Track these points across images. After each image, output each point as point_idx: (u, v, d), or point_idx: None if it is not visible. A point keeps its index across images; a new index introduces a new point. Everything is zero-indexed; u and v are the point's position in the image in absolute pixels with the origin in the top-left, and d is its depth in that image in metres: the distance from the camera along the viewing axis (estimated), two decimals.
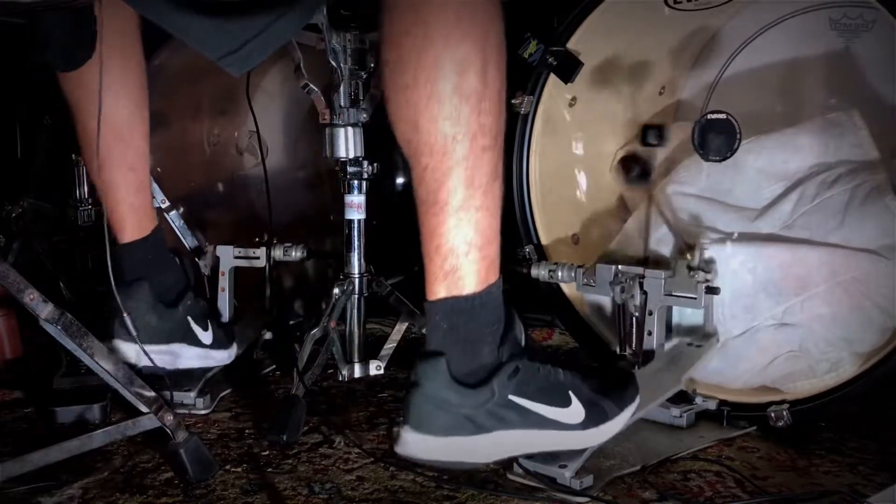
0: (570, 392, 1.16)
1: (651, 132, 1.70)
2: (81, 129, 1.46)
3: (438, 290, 1.10)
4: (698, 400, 1.41)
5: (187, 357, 1.51)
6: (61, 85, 1.44)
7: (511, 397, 1.11)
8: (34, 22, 1.35)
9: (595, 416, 1.17)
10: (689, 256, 1.39)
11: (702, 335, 1.42)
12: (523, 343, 1.15)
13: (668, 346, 1.43)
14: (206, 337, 1.53)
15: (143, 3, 1.12)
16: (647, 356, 1.41)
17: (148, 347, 1.36)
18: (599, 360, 1.61)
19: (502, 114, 1.11)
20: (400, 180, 1.87)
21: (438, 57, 1.05)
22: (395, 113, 1.09)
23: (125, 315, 1.33)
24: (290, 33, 1.11)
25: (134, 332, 1.33)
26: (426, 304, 1.11)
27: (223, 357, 1.56)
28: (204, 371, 1.53)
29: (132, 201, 1.47)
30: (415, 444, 1.11)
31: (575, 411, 1.15)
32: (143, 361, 1.37)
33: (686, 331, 1.45)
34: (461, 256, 1.09)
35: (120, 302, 1.31)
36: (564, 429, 1.15)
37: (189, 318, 1.50)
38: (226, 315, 1.66)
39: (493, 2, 1.09)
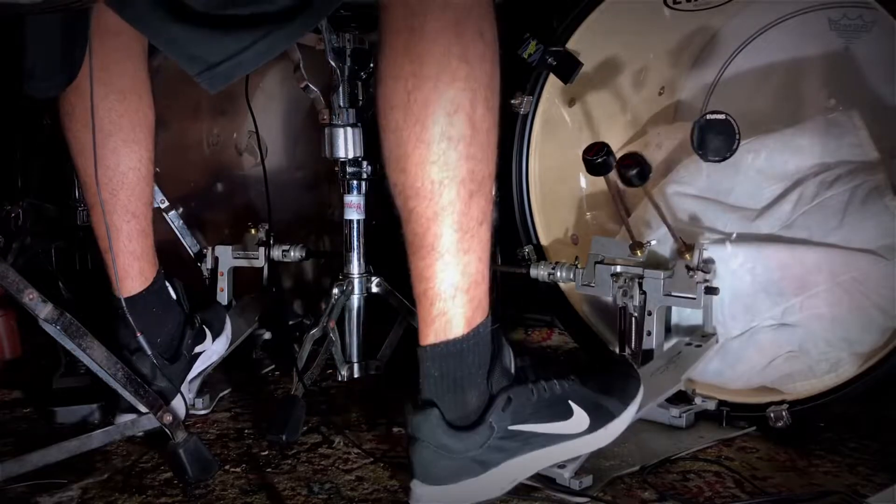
0: (570, 401, 1.14)
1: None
2: (82, 170, 1.38)
3: (429, 334, 1.09)
4: (698, 400, 1.41)
5: (195, 371, 1.48)
6: (62, 124, 1.37)
7: (511, 427, 1.10)
8: (18, 51, 1.24)
9: (600, 418, 1.16)
10: (688, 257, 1.39)
11: (701, 335, 1.42)
12: (513, 369, 1.13)
13: (667, 346, 1.43)
14: (206, 344, 1.50)
15: (129, 11, 1.09)
16: (647, 356, 1.41)
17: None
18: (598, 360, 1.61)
19: (491, 159, 1.08)
20: None
21: (427, 99, 1.02)
22: (385, 154, 1.08)
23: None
24: (274, 52, 1.05)
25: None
26: (418, 349, 1.10)
27: (222, 347, 1.54)
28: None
29: (134, 249, 1.39)
30: (427, 496, 1.10)
31: (578, 420, 1.14)
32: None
33: (685, 331, 1.46)
34: (448, 300, 1.07)
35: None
36: (571, 439, 1.14)
37: (190, 354, 1.46)
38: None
39: (485, 41, 1.05)
